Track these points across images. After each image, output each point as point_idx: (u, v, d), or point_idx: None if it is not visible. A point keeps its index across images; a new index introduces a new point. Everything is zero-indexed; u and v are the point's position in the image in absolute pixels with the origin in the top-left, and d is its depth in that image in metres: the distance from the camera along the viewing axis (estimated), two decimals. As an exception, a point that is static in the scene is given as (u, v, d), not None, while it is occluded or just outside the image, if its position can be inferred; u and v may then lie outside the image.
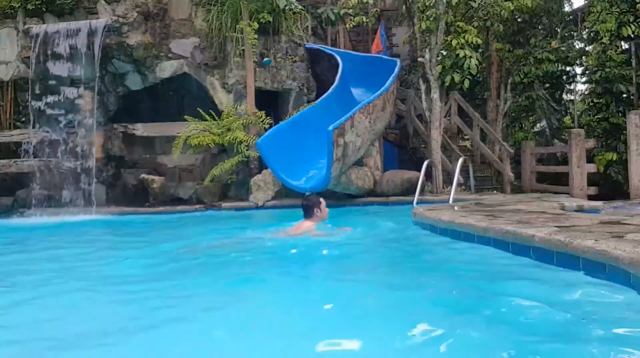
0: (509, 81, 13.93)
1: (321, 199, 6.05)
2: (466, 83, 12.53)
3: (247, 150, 10.34)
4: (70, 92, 10.69)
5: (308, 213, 5.90)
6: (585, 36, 14.41)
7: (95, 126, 10.58)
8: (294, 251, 5.26)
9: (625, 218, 4.72)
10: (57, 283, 4.12)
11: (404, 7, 12.50)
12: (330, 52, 11.69)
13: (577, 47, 15.02)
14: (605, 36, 12.00)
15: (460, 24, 12.28)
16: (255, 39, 10.67)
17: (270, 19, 10.93)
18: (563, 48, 14.33)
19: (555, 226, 4.09)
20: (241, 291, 3.71)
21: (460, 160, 10.13)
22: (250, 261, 4.88)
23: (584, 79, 14.24)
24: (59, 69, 10.47)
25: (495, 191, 11.54)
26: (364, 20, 13.46)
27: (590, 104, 13.15)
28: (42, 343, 2.73)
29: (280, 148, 9.65)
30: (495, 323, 2.80)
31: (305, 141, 9.95)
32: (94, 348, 2.62)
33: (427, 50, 10.71)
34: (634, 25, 11.77)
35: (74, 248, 6.06)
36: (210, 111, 10.82)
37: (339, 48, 12.94)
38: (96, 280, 4.21)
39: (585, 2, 14.49)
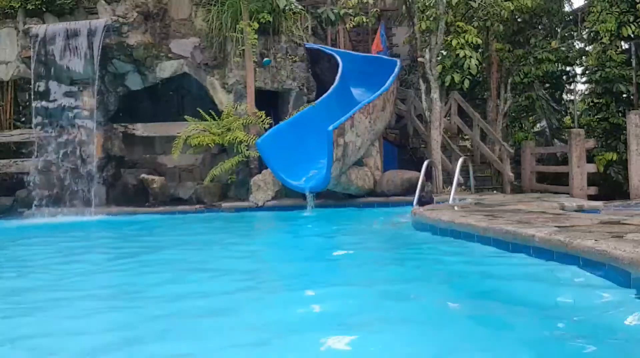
0: (509, 81, 13.91)
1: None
2: (466, 83, 12.51)
3: (247, 150, 10.33)
4: (70, 92, 10.69)
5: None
6: (585, 36, 14.39)
7: (95, 126, 10.57)
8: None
9: (625, 218, 4.72)
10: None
11: (404, 7, 12.50)
12: (330, 52, 11.69)
13: (577, 47, 15.00)
14: (605, 36, 11.98)
15: (460, 24, 12.27)
16: (255, 39, 10.66)
17: (270, 19, 10.92)
18: (563, 48, 14.32)
19: (555, 226, 4.09)
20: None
21: (460, 160, 10.11)
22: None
23: (584, 79, 14.23)
24: (59, 69, 10.47)
25: (495, 191, 11.53)
26: (364, 20, 13.44)
27: (590, 104, 13.13)
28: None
29: (280, 148, 9.65)
30: (492, 323, 2.80)
31: (305, 141, 9.95)
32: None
33: (427, 50, 10.70)
34: (634, 25, 11.76)
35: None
36: (210, 111, 10.81)
37: (339, 48, 12.94)
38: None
39: (585, 2, 14.48)
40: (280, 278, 4.42)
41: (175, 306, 3.39)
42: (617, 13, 11.86)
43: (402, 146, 14.41)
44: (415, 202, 8.86)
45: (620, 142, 11.68)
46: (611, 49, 12.10)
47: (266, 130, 10.24)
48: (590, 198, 9.84)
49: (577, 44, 15.16)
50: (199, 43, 11.13)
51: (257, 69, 10.99)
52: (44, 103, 10.68)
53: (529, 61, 13.90)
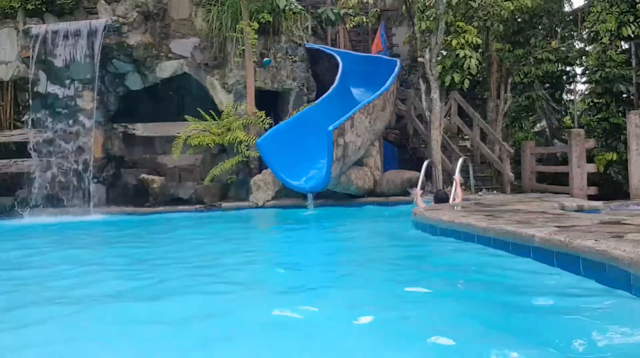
0: (509, 81, 13.90)
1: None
2: (466, 83, 12.50)
3: (247, 150, 10.33)
4: (70, 92, 10.69)
5: (444, 201, 7.73)
6: (585, 36, 14.39)
7: (95, 126, 10.57)
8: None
9: (625, 218, 4.71)
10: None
11: (404, 7, 12.51)
12: (330, 52, 11.70)
13: (577, 47, 14.99)
14: (605, 36, 11.97)
15: (460, 24, 12.27)
16: (255, 39, 10.66)
17: (270, 19, 10.93)
18: (563, 48, 14.31)
19: (555, 226, 4.09)
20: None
21: (460, 160, 10.12)
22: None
23: (584, 79, 14.22)
24: (58, 69, 10.46)
25: (495, 191, 11.53)
26: (364, 20, 13.45)
27: (590, 104, 13.12)
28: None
29: (280, 148, 9.65)
30: (493, 324, 2.80)
31: (305, 141, 9.95)
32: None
33: (427, 50, 10.70)
34: (634, 25, 11.75)
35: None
36: (210, 111, 10.82)
37: (339, 48, 12.95)
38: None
39: (585, 2, 14.48)
40: (280, 277, 4.42)
41: (168, 307, 3.40)
42: (617, 13, 11.85)
43: (402, 146, 14.41)
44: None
45: (620, 142, 11.67)
46: (611, 49, 12.09)
47: (266, 130, 10.24)
48: (590, 198, 9.83)
49: (577, 44, 15.16)
50: (199, 43, 11.13)
51: (257, 69, 10.99)
52: (43, 103, 10.69)
53: (529, 61, 13.89)
